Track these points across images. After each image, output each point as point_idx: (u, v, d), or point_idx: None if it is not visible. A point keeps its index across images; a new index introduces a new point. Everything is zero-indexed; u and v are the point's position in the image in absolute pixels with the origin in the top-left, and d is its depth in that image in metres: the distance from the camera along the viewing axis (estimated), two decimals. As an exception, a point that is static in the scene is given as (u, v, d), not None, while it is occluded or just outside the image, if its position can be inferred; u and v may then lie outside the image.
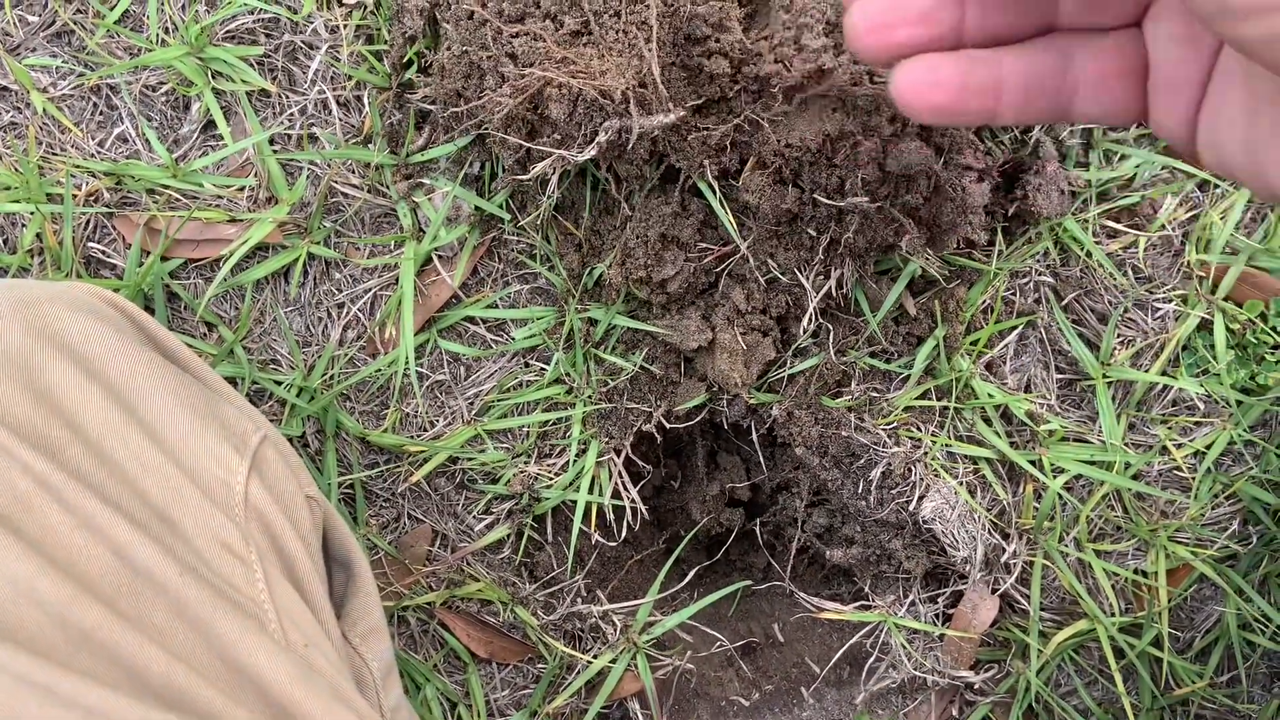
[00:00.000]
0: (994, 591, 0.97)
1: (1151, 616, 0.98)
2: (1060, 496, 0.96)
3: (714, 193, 0.83)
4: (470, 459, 0.95)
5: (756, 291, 0.89)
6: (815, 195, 0.79)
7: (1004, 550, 0.96)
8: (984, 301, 0.93)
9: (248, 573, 0.60)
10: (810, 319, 0.89)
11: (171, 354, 0.70)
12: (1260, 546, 0.99)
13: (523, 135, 0.79)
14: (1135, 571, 0.99)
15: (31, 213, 0.86)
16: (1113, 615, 0.98)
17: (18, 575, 0.52)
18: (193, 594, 0.57)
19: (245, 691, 0.57)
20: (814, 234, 0.83)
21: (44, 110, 0.88)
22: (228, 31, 0.88)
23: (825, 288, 0.87)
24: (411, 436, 0.94)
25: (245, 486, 0.63)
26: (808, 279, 0.86)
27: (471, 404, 0.95)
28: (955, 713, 1.02)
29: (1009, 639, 1.00)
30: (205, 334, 0.91)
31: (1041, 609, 0.98)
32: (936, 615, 1.00)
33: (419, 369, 0.93)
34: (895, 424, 0.95)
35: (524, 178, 0.83)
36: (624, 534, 0.98)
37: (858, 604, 1.01)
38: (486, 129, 0.81)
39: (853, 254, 0.85)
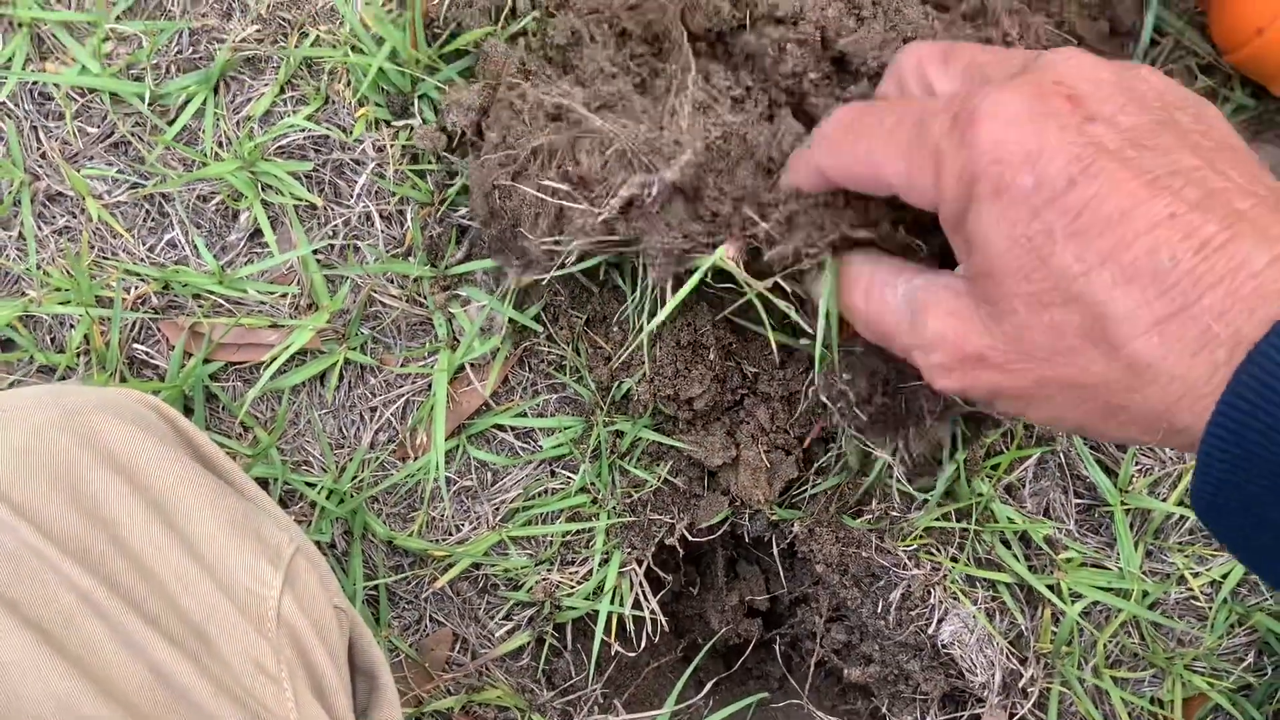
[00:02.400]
0: (1011, 716, 0.97)
1: (1168, 745, 0.97)
2: (1078, 623, 0.96)
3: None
4: (494, 565, 0.96)
5: (781, 411, 0.91)
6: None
7: (1021, 675, 0.96)
8: (1004, 427, 0.95)
9: (278, 691, 0.62)
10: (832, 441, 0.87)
11: (210, 462, 0.72)
12: (1275, 678, 0.99)
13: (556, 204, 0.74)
14: (1151, 700, 0.98)
15: (81, 315, 0.89)
16: (1129, 743, 0.98)
17: (60, 693, 0.54)
18: (226, 715, 0.58)
19: (272, 812, 0.58)
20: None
21: (98, 217, 0.91)
22: (279, 147, 0.91)
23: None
24: (437, 540, 0.96)
25: (279, 601, 0.65)
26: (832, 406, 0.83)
27: (497, 510, 0.96)
28: (970, 836, 1.02)
29: (1025, 763, 1.00)
30: (241, 435, 0.93)
31: (1058, 735, 0.98)
32: (953, 737, 1.00)
33: (448, 474, 0.95)
34: (915, 546, 0.96)
35: (556, 246, 0.75)
36: (643, 644, 0.99)
37: (874, 722, 1.01)
38: (520, 224, 0.79)
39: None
